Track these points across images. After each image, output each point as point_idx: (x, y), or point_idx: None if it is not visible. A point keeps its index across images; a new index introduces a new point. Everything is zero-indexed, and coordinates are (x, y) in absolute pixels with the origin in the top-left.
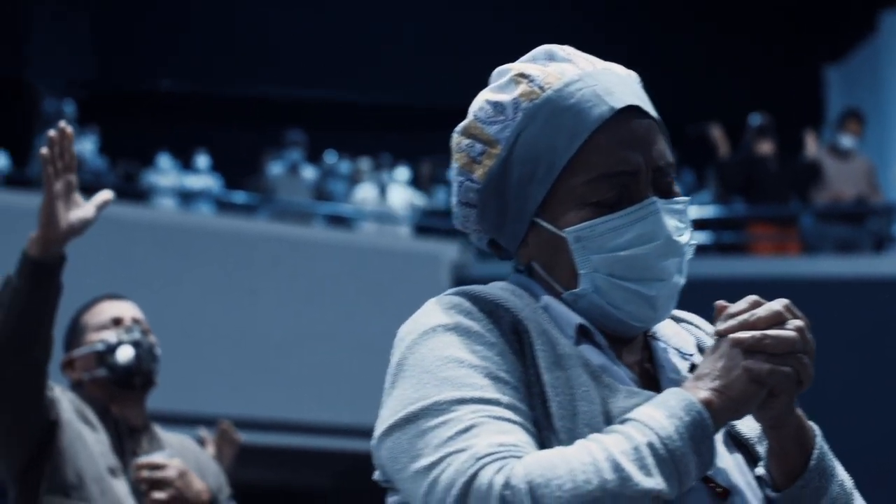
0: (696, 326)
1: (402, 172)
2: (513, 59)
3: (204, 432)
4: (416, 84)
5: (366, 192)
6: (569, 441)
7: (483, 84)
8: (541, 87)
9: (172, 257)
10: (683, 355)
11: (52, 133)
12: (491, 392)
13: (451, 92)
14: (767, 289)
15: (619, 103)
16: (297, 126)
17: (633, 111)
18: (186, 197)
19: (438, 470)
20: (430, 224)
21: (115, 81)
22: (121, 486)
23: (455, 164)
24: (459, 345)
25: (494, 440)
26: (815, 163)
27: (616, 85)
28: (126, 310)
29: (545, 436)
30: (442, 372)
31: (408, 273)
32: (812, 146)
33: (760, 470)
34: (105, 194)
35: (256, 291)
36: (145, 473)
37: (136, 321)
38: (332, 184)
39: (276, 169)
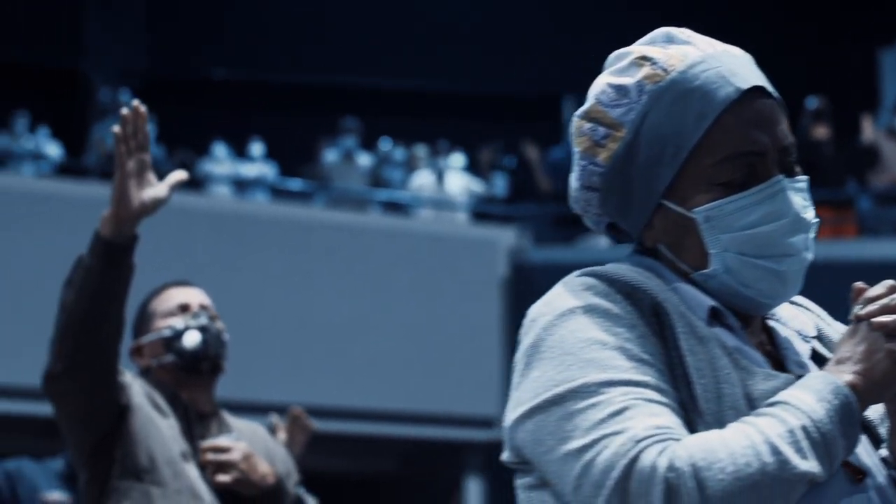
0: (811, 311)
1: (458, 159)
2: (568, 49)
3: (276, 418)
4: (472, 71)
5: (423, 179)
6: (715, 424)
7: (539, 72)
8: (664, 70)
9: (228, 245)
10: (804, 337)
11: (124, 111)
12: (637, 374)
13: (507, 79)
14: (824, 272)
15: (745, 84)
16: (351, 113)
17: (757, 92)
18: (242, 185)
19: (593, 452)
20: (487, 210)
21: (168, 71)
22: (192, 471)
23: (577, 149)
24: (600, 327)
25: (650, 423)
26: (873, 146)
27: (738, 66)
28: (193, 296)
29: (691, 418)
30: (585, 354)
31: (465, 259)
32: (869, 130)
33: (884, 452)
34: (179, 174)
35: (313, 278)
36: (210, 456)
37: (203, 307)
38: (387, 171)
39: (331, 156)
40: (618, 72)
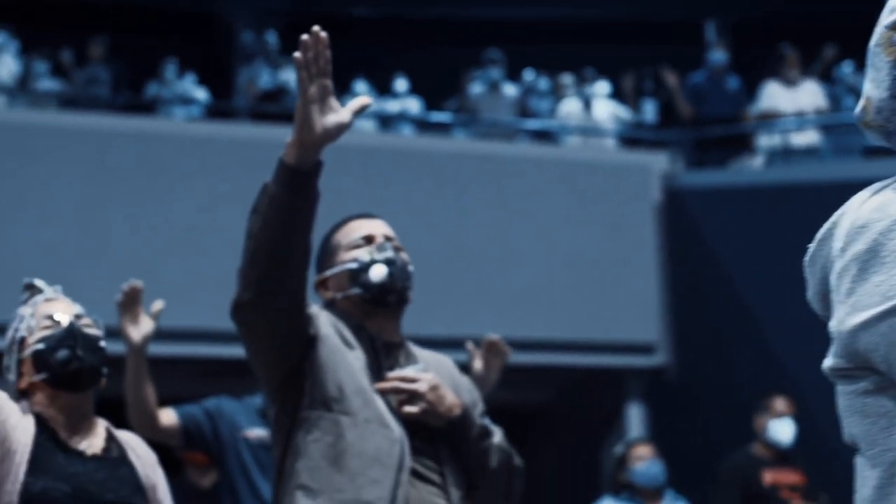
0: None
1: (604, 86)
2: None
3: (471, 346)
4: None
5: (570, 107)
6: None
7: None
8: None
9: (376, 180)
10: None
11: (304, 37)
12: None
13: (649, 4)
14: None
15: None
16: (494, 45)
17: None
18: (386, 120)
19: None
20: (637, 136)
21: (309, 10)
22: (380, 401)
23: (887, 59)
24: None
25: None
26: None
27: None
28: (377, 227)
29: None
30: None
31: (617, 185)
32: None
33: None
34: (363, 99)
35: (465, 210)
36: (398, 386)
37: (387, 238)
38: (533, 100)
39: (476, 88)
40: None
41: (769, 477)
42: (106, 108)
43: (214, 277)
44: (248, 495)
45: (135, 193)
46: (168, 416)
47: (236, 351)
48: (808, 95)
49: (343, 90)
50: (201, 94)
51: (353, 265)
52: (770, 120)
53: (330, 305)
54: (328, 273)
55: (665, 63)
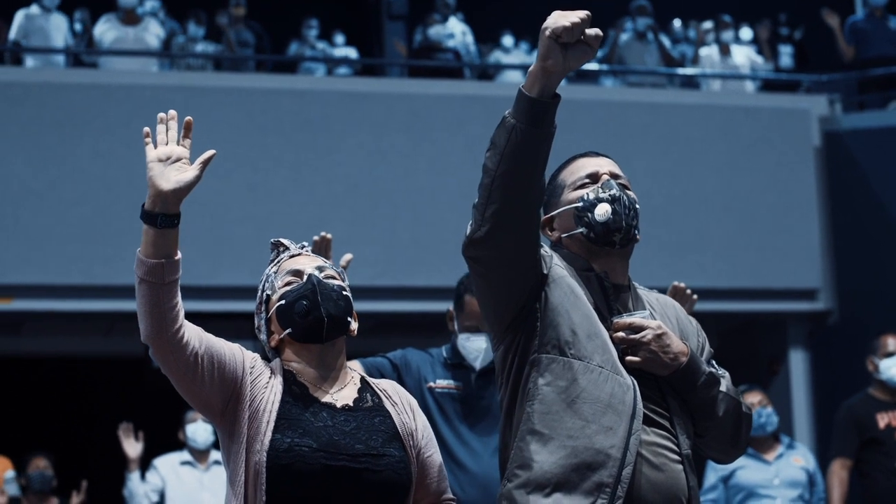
0: None
1: (747, 32)
2: None
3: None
4: None
5: (715, 53)
6: None
7: None
8: None
9: None
10: None
11: None
12: None
13: None
14: None
15: None
16: None
17: None
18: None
19: None
20: (793, 79)
21: None
22: (612, 346)
23: None
24: None
25: None
26: None
27: None
28: (603, 165)
29: None
30: None
31: (777, 130)
32: None
33: None
34: (596, 30)
35: (624, 159)
36: (622, 335)
37: (613, 176)
38: (680, 48)
39: (624, 37)
40: None
41: (884, 420)
42: (254, 68)
43: (377, 233)
44: None
45: (296, 151)
46: (355, 368)
47: (399, 306)
48: None
49: (494, 43)
50: (351, 52)
51: (578, 204)
52: None
53: (555, 246)
54: (554, 212)
55: (820, 7)
